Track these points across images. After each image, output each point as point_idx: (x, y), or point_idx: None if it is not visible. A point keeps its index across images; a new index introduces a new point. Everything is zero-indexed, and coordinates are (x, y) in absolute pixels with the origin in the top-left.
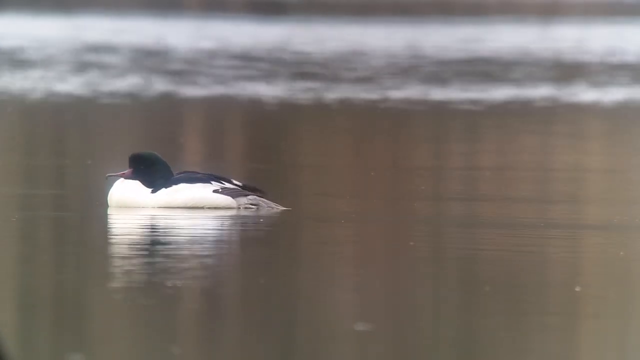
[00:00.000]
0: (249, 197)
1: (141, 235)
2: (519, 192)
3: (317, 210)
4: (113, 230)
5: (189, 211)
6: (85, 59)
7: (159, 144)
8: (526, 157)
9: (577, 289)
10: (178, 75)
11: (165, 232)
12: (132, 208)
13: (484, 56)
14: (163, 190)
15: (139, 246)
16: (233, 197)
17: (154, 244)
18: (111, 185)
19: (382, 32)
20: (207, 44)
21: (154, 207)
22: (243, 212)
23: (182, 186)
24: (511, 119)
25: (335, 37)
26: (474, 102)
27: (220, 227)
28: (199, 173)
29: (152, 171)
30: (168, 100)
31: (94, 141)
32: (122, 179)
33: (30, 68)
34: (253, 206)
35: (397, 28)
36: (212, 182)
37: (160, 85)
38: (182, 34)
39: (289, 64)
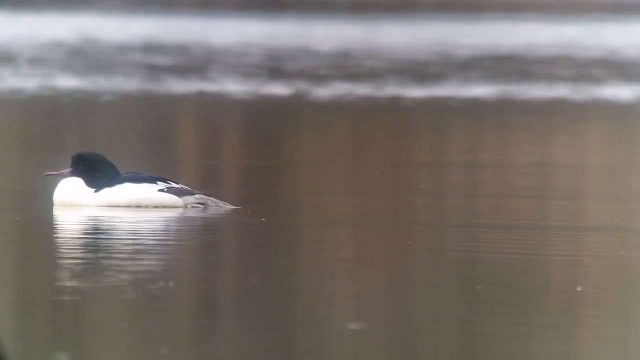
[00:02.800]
0: (196, 195)
1: (119, 237)
2: (520, 190)
3: (316, 209)
4: (67, 230)
5: (149, 211)
6: (80, 56)
7: (155, 142)
8: (527, 154)
9: (579, 288)
10: (172, 71)
11: (141, 234)
12: (76, 207)
13: (483, 53)
14: (106, 189)
15: (117, 248)
16: (179, 196)
17: (130, 245)
18: (55, 184)
19: (384, 30)
20: (200, 40)
21: (96, 207)
22: (190, 211)
23: (127, 186)
24: (513, 117)
25: (336, 35)
26: (475, 99)
27: (212, 227)
28: (145, 173)
29: (94, 171)
30: (164, 98)
31: (75, 139)
32: (67, 178)
33: (26, 64)
34: (200, 205)
35: (401, 25)
36: (158, 182)
37: (157, 82)
38: (173, 31)
39: (287, 60)
